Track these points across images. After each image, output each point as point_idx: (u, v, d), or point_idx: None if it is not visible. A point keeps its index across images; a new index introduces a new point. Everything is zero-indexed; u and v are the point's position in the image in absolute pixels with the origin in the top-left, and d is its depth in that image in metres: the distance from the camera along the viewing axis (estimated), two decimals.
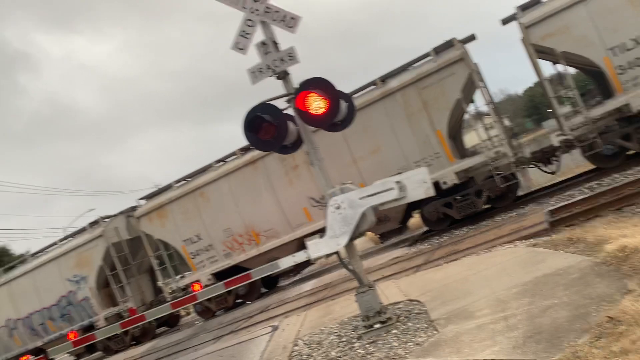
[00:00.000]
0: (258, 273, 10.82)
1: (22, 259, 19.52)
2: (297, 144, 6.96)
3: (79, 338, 17.13)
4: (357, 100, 13.72)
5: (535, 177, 23.11)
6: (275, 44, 6.43)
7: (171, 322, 19.48)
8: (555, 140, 13.46)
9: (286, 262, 8.17)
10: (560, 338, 3.93)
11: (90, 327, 17.48)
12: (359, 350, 5.89)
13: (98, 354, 18.23)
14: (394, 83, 13.59)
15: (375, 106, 13.67)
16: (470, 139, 17.32)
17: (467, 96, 13.76)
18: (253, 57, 6.47)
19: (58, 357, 18.17)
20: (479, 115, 14.42)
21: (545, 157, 13.78)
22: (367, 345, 5.92)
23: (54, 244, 18.44)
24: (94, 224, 17.65)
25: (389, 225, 14.33)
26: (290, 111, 6.63)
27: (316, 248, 6.16)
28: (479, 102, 14.13)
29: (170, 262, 17.26)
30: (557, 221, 9.37)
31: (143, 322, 16.57)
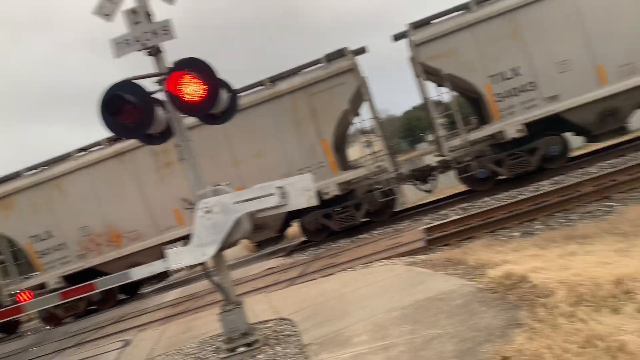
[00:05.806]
0: (105, 283, 9.46)
1: None
2: (166, 134, 6.01)
3: None
4: (243, 99, 12.93)
5: (409, 195, 23.87)
6: (148, 14, 5.47)
7: (8, 329, 16.96)
8: (432, 160, 13.85)
9: (140, 273, 7.06)
10: None
11: None
12: None
13: None
14: (283, 85, 13.01)
15: (262, 107, 12.99)
16: (353, 152, 17.26)
17: (354, 108, 13.58)
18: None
19: None
20: (364, 130, 14.34)
21: (422, 175, 14.04)
22: None
23: None
24: None
25: (266, 233, 13.64)
26: (161, 95, 5.69)
27: (178, 257, 5.24)
28: (365, 117, 14.04)
29: (15, 261, 15.05)
30: (433, 240, 9.33)
31: None
